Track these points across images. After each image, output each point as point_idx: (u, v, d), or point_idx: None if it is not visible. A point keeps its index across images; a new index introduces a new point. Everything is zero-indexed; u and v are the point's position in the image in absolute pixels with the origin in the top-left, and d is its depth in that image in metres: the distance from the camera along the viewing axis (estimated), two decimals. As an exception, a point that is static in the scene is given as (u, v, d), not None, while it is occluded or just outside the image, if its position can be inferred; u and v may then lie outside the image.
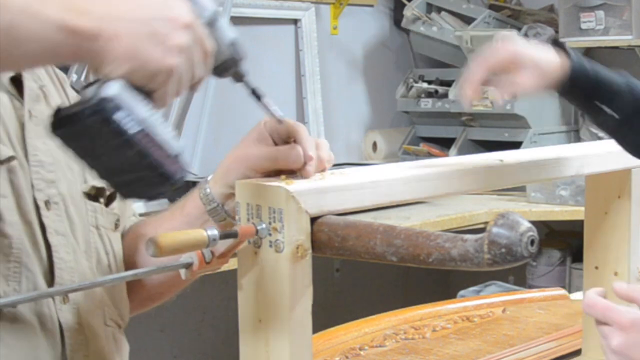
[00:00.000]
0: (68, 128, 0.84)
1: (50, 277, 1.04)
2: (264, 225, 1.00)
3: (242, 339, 1.05)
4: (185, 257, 0.99)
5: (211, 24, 0.96)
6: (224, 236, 0.97)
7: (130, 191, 0.89)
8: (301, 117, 3.58)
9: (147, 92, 0.86)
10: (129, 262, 1.20)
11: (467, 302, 2.00)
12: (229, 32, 0.99)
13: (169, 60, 0.86)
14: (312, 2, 3.62)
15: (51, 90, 1.12)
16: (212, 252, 1.00)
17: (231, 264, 1.05)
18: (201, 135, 3.27)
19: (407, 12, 3.76)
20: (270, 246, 1.00)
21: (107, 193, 1.16)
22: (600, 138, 3.54)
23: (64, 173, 1.09)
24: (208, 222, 1.12)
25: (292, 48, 3.58)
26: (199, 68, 0.91)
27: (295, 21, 3.59)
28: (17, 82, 1.06)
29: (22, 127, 1.05)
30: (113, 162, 0.85)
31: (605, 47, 3.55)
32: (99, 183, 1.13)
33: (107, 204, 1.16)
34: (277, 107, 1.06)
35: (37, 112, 1.07)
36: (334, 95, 3.74)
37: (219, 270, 1.08)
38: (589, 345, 1.57)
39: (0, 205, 0.98)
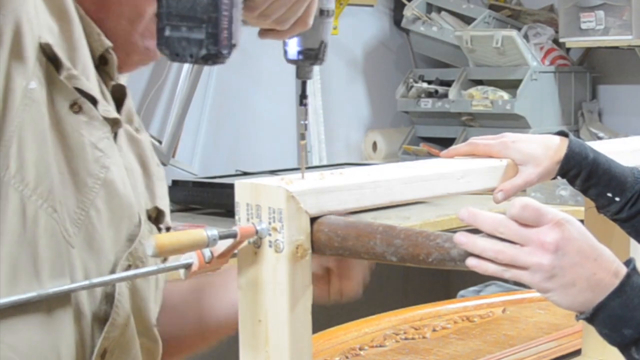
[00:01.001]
0: None
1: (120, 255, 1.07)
2: (263, 225, 1.00)
3: (242, 339, 1.05)
4: (185, 257, 0.99)
5: (324, 14, 1.04)
6: (223, 236, 0.97)
7: (173, 40, 0.89)
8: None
9: None
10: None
11: (467, 302, 2.00)
12: (329, 34, 1.07)
13: None
14: (312, 2, 3.62)
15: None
16: (212, 252, 1.00)
17: (231, 264, 1.05)
18: (201, 135, 3.27)
19: (407, 12, 3.76)
20: (270, 246, 1.00)
21: (166, 219, 1.19)
22: (599, 138, 3.54)
23: (135, 186, 1.12)
24: None
25: (292, 48, 3.58)
26: (299, 8, 0.98)
27: (295, 21, 3.59)
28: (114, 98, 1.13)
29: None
30: (191, 2, 0.88)
31: (605, 47, 3.55)
32: (162, 206, 1.18)
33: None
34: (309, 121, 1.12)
35: (125, 127, 1.13)
36: (334, 95, 3.74)
37: (218, 271, 1.08)
38: (589, 345, 1.57)
39: (89, 154, 1.02)
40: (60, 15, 1.02)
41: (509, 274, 0.92)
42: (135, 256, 1.07)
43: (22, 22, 0.95)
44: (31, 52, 0.97)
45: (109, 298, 1.05)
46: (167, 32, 0.89)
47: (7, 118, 0.95)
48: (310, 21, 1.01)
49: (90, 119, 1.03)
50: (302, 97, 1.10)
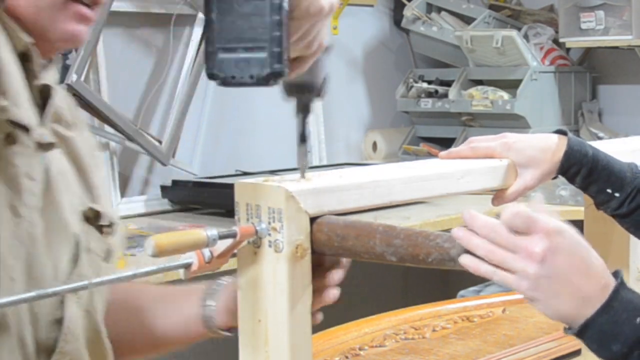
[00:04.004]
0: None
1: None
2: (263, 225, 1.00)
3: (242, 339, 1.05)
4: (184, 257, 0.99)
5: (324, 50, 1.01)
6: (223, 236, 0.97)
7: (229, 63, 0.88)
8: (301, 117, 3.58)
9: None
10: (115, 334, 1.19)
11: (467, 302, 2.00)
12: (326, 69, 1.05)
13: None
14: (312, 2, 3.62)
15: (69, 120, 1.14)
16: (212, 252, 1.00)
17: (231, 264, 1.05)
18: (201, 135, 3.27)
19: (407, 12, 3.76)
20: (270, 246, 1.00)
21: (106, 215, 1.15)
22: (599, 138, 3.54)
23: (67, 188, 1.08)
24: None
25: (292, 48, 3.58)
26: (319, 39, 0.96)
27: (295, 21, 3.59)
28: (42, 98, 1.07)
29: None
30: (248, 23, 0.87)
31: (605, 47, 3.55)
32: (98, 206, 1.13)
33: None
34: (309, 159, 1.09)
35: (54, 128, 1.08)
36: (334, 95, 3.74)
37: (218, 271, 1.08)
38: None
39: (24, 185, 0.99)
40: None
41: (498, 276, 0.93)
42: (81, 275, 1.04)
43: None
44: None
45: (58, 324, 1.02)
46: (221, 55, 0.88)
47: None
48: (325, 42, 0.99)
49: (25, 149, 0.99)
50: (302, 135, 1.06)
